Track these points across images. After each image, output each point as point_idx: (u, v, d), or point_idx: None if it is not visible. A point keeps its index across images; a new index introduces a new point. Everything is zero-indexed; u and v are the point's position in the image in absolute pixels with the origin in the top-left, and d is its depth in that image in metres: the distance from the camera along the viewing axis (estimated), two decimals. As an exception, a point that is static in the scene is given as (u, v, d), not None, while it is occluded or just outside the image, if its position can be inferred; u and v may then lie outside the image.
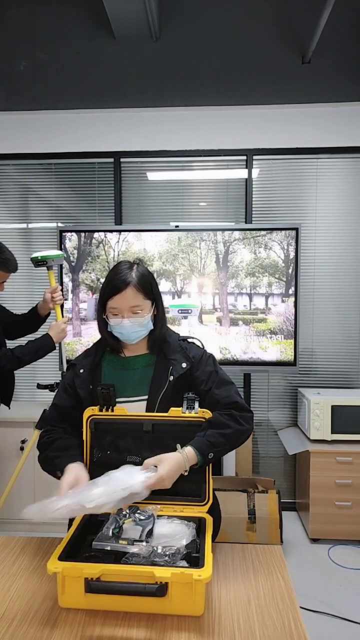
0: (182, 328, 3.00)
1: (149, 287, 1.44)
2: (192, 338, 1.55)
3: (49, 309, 2.43)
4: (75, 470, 1.28)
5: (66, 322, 2.41)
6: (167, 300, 3.04)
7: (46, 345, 2.31)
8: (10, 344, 2.45)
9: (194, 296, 3.05)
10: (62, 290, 2.44)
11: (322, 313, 3.37)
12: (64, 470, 1.30)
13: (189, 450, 1.30)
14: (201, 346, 1.54)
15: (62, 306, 2.44)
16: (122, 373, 1.48)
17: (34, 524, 3.01)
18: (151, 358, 1.48)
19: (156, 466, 1.26)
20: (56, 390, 1.56)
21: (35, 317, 2.47)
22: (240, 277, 3.01)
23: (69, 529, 1.35)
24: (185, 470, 1.29)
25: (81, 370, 1.48)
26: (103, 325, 1.48)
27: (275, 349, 3.00)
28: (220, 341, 3.02)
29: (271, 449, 3.46)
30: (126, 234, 3.05)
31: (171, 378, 1.42)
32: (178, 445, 1.31)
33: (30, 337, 2.43)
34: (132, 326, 1.41)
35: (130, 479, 1.21)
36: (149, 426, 1.38)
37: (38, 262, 2.34)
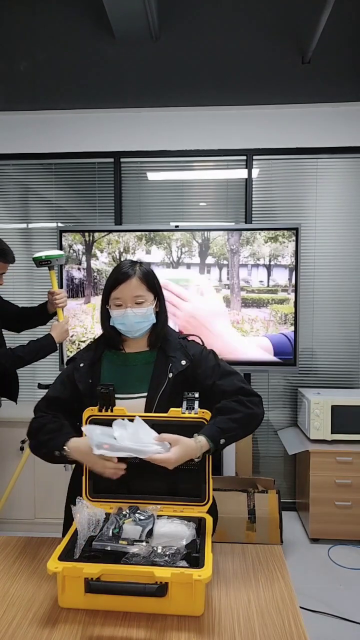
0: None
1: (152, 281, 1.47)
2: (192, 336, 1.56)
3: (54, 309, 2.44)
4: (80, 447, 1.32)
5: (67, 323, 2.41)
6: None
7: (48, 345, 2.31)
8: (12, 340, 2.46)
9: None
10: (63, 293, 2.44)
11: (322, 313, 3.37)
12: (61, 448, 1.32)
13: (201, 438, 1.31)
14: (201, 343, 1.54)
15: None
16: (121, 369, 1.48)
17: (34, 524, 3.02)
18: (151, 355, 1.49)
19: (170, 444, 1.27)
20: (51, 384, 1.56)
21: (45, 313, 2.47)
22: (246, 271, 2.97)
23: (65, 529, 1.35)
24: (198, 458, 1.31)
25: (81, 364, 1.49)
26: (106, 319, 1.49)
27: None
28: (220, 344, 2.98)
29: (271, 449, 3.46)
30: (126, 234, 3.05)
31: (170, 375, 1.42)
32: (195, 435, 1.32)
33: (31, 337, 2.44)
34: (135, 316, 1.42)
35: (144, 447, 1.25)
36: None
37: (41, 262, 2.34)
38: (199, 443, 1.29)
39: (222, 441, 1.32)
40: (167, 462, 1.24)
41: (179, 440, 1.28)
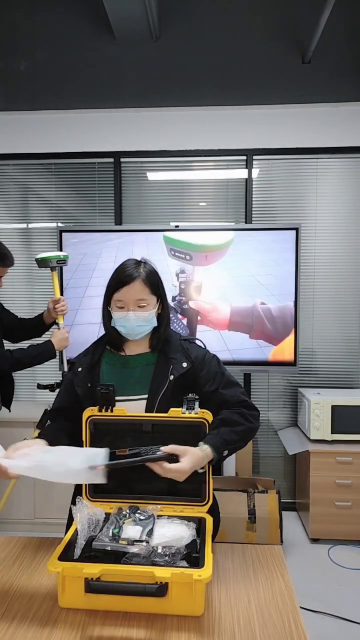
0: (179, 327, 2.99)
1: (156, 283, 1.46)
2: (194, 338, 1.55)
3: (53, 318, 2.43)
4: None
5: (67, 332, 2.41)
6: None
7: (47, 351, 2.31)
8: (11, 344, 2.46)
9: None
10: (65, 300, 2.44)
11: (322, 313, 3.36)
12: None
13: (206, 448, 1.30)
14: (203, 346, 1.54)
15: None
16: (121, 371, 1.48)
17: (34, 524, 3.01)
18: (152, 357, 1.48)
19: (175, 456, 1.26)
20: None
21: (41, 325, 2.47)
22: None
23: (67, 529, 1.35)
24: (202, 468, 1.30)
25: (79, 369, 1.48)
26: (108, 320, 1.48)
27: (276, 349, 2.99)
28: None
29: (271, 449, 3.46)
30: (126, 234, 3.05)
31: (171, 377, 1.42)
32: (201, 443, 1.31)
33: (31, 341, 2.44)
34: (137, 320, 1.42)
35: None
36: (149, 427, 1.37)
37: (59, 261, 2.33)
38: (204, 452, 1.29)
39: (225, 452, 1.32)
40: (181, 471, 1.24)
41: (187, 451, 1.26)
